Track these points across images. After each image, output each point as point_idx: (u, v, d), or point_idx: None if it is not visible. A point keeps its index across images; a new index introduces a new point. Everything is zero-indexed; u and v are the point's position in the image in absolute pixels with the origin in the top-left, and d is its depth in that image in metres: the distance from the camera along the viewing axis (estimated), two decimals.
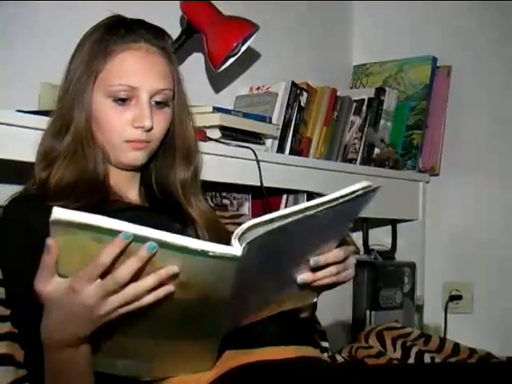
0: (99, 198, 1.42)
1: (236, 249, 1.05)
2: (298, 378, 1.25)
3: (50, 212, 1.07)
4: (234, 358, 1.27)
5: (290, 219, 1.11)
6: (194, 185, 1.56)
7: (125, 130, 1.44)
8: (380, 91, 2.62)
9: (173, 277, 1.03)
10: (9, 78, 1.84)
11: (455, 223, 2.69)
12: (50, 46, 1.91)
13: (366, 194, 1.25)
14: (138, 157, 1.47)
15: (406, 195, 2.68)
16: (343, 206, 1.16)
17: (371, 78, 2.82)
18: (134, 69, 1.43)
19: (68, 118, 1.44)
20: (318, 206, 1.13)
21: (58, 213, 0.99)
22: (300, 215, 1.11)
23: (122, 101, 1.43)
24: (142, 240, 1.00)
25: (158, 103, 1.45)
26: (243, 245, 1.05)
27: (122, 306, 1.05)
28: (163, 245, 1.00)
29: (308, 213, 1.12)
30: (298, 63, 2.63)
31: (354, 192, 1.17)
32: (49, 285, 1.06)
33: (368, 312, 2.37)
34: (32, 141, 1.51)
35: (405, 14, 2.82)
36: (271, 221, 1.10)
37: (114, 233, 0.99)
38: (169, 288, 1.05)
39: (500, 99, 2.63)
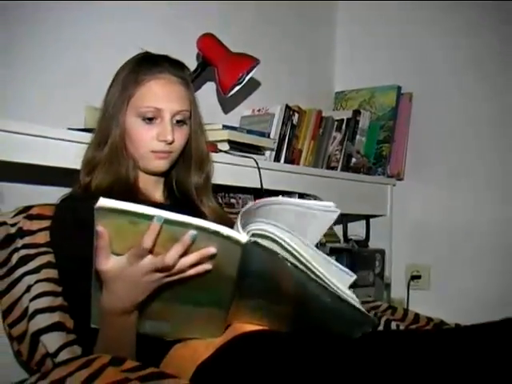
0: (131, 197, 1.43)
1: (242, 237, 1.07)
2: (287, 341, 1.24)
3: (92, 207, 1.08)
4: (240, 328, 1.28)
5: (290, 262, 1.11)
6: (206, 187, 1.57)
7: (151, 143, 1.44)
8: (356, 113, 2.61)
9: (211, 257, 1.06)
10: (58, 101, 1.84)
11: (416, 218, 2.69)
12: (92, 75, 1.91)
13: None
14: (161, 165, 1.48)
15: (376, 196, 2.67)
16: None
17: (349, 102, 2.82)
18: (159, 94, 1.44)
19: (106, 134, 1.45)
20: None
21: (103, 201, 1.00)
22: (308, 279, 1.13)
23: (149, 120, 1.44)
24: (173, 223, 1.02)
25: (178, 122, 1.46)
26: (248, 238, 1.07)
27: (168, 277, 1.08)
28: (186, 225, 1.03)
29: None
30: (290, 90, 2.63)
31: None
32: (108, 263, 1.08)
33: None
34: (79, 152, 1.53)
35: (377, 52, 2.82)
36: (279, 242, 1.11)
37: (146, 216, 1.01)
38: (207, 266, 1.08)
39: (451, 119, 2.63)
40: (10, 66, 1.77)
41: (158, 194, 1.54)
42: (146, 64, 1.46)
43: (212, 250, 1.05)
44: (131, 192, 1.45)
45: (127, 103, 1.44)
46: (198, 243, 1.05)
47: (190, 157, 1.54)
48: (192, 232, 1.03)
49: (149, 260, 1.06)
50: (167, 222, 1.02)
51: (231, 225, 1.52)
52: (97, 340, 1.22)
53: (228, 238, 1.05)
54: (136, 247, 1.05)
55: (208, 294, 1.18)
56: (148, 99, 1.43)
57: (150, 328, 1.22)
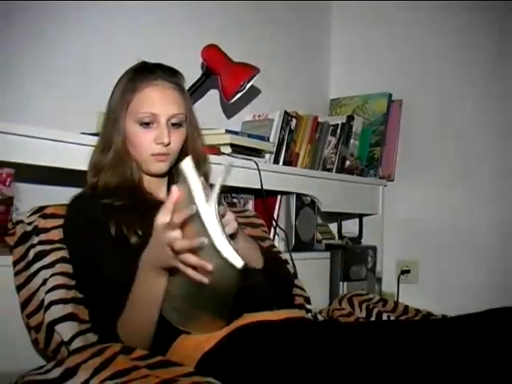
0: (136, 196, 1.45)
1: (239, 262, 1.03)
2: (285, 331, 1.25)
3: (100, 205, 1.09)
4: (243, 320, 1.28)
5: None
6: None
7: (150, 146, 1.45)
8: (350, 118, 2.61)
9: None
10: (71, 107, 1.85)
11: (406, 217, 2.69)
12: (104, 82, 1.91)
13: None
14: (161, 167, 1.48)
15: (369, 196, 2.67)
16: None
17: (343, 108, 2.82)
18: (154, 99, 1.44)
19: (109, 139, 1.47)
20: None
21: (186, 162, 1.05)
22: None
23: (146, 124, 1.45)
24: (199, 221, 1.03)
25: (173, 124, 1.47)
26: (243, 263, 1.03)
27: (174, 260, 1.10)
28: (204, 229, 1.03)
29: None
30: (289, 97, 2.63)
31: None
32: (162, 219, 1.10)
33: (341, 283, 2.36)
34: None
35: (369, 61, 2.82)
36: None
37: (192, 196, 1.03)
38: (204, 279, 1.07)
39: (438, 125, 2.63)
40: (25, 73, 1.77)
41: (162, 193, 1.54)
42: (142, 72, 1.47)
43: (209, 266, 1.04)
44: (136, 192, 1.46)
45: (126, 110, 1.45)
46: (206, 250, 1.05)
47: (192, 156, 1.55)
48: (203, 240, 1.02)
49: (174, 233, 1.08)
50: (198, 215, 1.03)
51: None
52: (127, 303, 1.23)
53: (225, 260, 1.03)
54: (172, 219, 1.08)
55: (215, 305, 1.21)
56: (144, 105, 1.44)
57: (167, 311, 1.23)
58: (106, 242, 1.36)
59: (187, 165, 1.07)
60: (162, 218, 1.11)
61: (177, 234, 1.08)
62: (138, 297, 1.22)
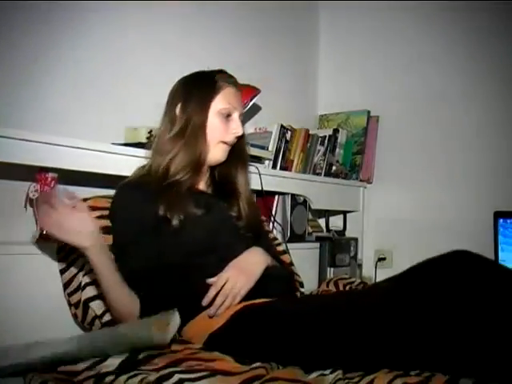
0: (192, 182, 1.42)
1: None
2: (279, 308, 1.25)
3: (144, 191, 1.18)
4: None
5: None
6: (246, 182, 1.54)
7: (224, 135, 1.44)
8: (336, 131, 2.62)
9: None
10: (102, 121, 1.83)
11: (382, 213, 2.69)
12: (129, 98, 1.92)
13: None
14: (224, 155, 1.47)
15: (352, 196, 2.68)
16: None
17: (330, 122, 2.82)
18: (232, 98, 1.45)
19: (185, 127, 1.42)
20: None
21: None
22: None
23: (225, 117, 1.44)
24: None
25: None
26: None
27: None
28: None
29: None
30: (285, 113, 2.62)
31: None
32: None
33: (328, 268, 2.35)
34: (122, 163, 1.53)
35: (351, 84, 2.83)
36: None
37: None
38: None
39: (408, 137, 2.63)
40: (59, 88, 1.74)
41: (202, 183, 1.50)
42: (221, 75, 1.47)
43: None
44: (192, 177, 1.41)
45: (210, 102, 1.43)
46: None
47: (240, 155, 1.52)
48: None
49: None
50: None
51: (258, 213, 1.50)
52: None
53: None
54: None
55: None
56: (226, 101, 1.44)
57: None
58: (140, 226, 1.33)
59: None
60: None
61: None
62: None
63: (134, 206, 1.35)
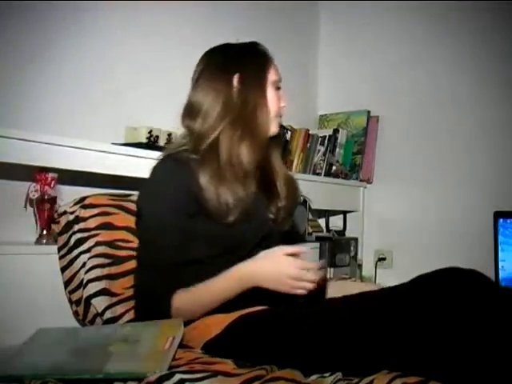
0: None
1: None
2: (276, 314, 1.22)
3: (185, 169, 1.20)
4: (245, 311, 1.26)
5: None
6: (280, 159, 1.48)
7: (279, 107, 1.41)
8: (336, 131, 2.62)
9: None
10: (102, 121, 1.82)
11: (382, 213, 2.68)
12: (129, 98, 1.92)
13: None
14: (278, 127, 1.43)
15: (352, 195, 2.68)
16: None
17: (330, 123, 2.82)
18: (278, 70, 1.42)
19: (247, 99, 1.34)
20: None
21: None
22: None
23: (278, 89, 1.41)
24: None
25: None
26: None
27: None
28: None
29: None
30: (285, 113, 2.61)
31: None
32: (288, 252, 1.23)
33: (329, 268, 2.35)
34: (123, 163, 1.53)
35: (352, 84, 2.82)
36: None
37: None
38: None
39: (408, 137, 2.63)
40: (61, 90, 1.75)
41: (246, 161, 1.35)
42: (264, 47, 1.42)
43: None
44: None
45: (267, 75, 1.38)
46: None
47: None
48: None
49: (309, 277, 1.22)
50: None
51: (297, 188, 1.47)
52: (199, 288, 1.22)
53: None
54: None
55: None
56: (277, 73, 1.40)
57: None
58: (173, 212, 1.25)
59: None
60: (289, 250, 1.18)
61: (313, 277, 1.17)
62: (214, 292, 1.22)
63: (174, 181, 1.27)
